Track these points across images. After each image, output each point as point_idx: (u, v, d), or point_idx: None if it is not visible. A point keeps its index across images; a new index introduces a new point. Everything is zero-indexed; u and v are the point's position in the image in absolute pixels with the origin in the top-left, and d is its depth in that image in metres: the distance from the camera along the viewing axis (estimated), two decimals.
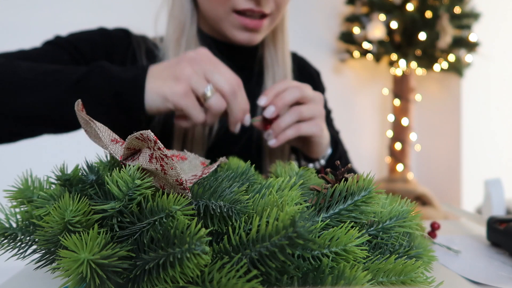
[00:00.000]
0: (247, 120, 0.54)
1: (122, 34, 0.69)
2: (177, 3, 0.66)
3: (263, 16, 0.61)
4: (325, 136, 0.59)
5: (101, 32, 0.68)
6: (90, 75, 0.49)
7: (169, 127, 0.65)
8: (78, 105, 0.33)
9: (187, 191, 0.29)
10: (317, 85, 0.84)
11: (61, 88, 0.49)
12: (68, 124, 0.52)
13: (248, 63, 0.72)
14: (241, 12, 0.60)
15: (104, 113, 0.49)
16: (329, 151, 0.64)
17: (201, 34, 0.68)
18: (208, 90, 0.48)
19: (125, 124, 0.53)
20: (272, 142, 0.53)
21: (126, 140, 0.30)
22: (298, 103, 0.54)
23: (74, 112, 0.40)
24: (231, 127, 0.53)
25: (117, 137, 0.33)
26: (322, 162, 0.62)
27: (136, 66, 0.51)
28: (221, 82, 0.49)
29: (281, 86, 0.54)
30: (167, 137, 0.65)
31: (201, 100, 0.49)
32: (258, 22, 0.61)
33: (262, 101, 0.53)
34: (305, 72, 0.81)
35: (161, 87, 0.48)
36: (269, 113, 0.52)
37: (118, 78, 0.49)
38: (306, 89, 0.54)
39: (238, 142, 0.70)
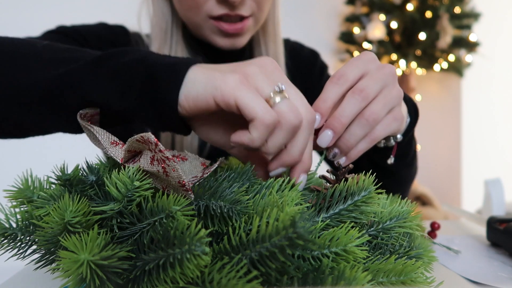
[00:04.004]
0: (303, 180, 0.37)
1: (122, 31, 0.69)
2: (157, 11, 0.64)
3: (242, 18, 0.58)
4: (405, 110, 0.45)
5: (104, 26, 0.67)
6: (117, 53, 0.36)
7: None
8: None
9: (189, 192, 0.29)
10: (314, 68, 0.78)
11: (77, 64, 0.37)
12: (75, 113, 0.37)
13: None
14: (218, 17, 0.57)
15: (128, 105, 0.35)
16: (407, 121, 0.48)
17: (187, 39, 0.67)
18: (280, 85, 0.33)
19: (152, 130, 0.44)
20: (342, 161, 0.40)
21: (127, 142, 0.30)
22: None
23: (86, 97, 0.35)
24: (293, 174, 0.37)
25: (116, 139, 0.33)
26: (399, 137, 0.46)
27: (180, 56, 0.38)
28: (299, 100, 0.35)
29: (335, 91, 0.38)
30: None
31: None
32: (238, 26, 0.57)
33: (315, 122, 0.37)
34: (298, 58, 0.77)
35: (210, 73, 0.33)
36: (325, 141, 0.38)
37: (154, 60, 0.35)
38: (370, 83, 0.38)
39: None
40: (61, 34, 0.61)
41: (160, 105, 0.34)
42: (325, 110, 0.38)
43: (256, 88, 0.33)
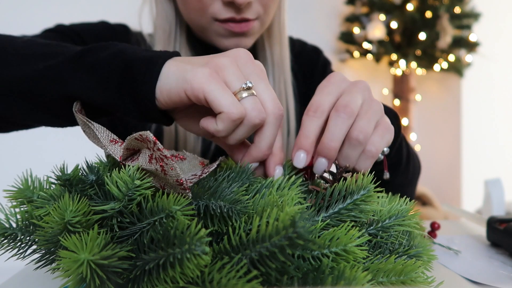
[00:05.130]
0: (279, 173, 0.38)
1: (123, 30, 0.68)
2: (160, 12, 0.63)
3: (248, 21, 0.57)
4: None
5: (104, 25, 0.67)
6: (96, 48, 0.37)
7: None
8: (76, 106, 0.33)
9: (187, 191, 0.29)
10: (316, 65, 0.78)
11: (57, 60, 0.37)
12: (55, 107, 0.39)
13: None
14: (224, 21, 0.57)
15: (108, 98, 0.36)
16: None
17: (191, 42, 0.66)
18: (247, 83, 0.33)
19: (131, 123, 0.45)
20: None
21: (125, 140, 0.30)
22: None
23: (66, 91, 0.36)
24: (268, 168, 0.38)
25: (116, 137, 0.33)
26: (386, 150, 0.45)
27: (157, 50, 0.38)
28: (267, 95, 0.35)
29: (314, 124, 0.38)
30: None
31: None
32: (244, 25, 0.57)
33: (300, 160, 0.37)
34: (302, 56, 0.77)
35: (182, 66, 0.34)
36: (321, 170, 0.38)
37: (132, 54, 0.35)
38: (351, 98, 0.37)
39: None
40: (59, 32, 0.61)
41: (139, 98, 0.34)
42: (309, 146, 0.38)
43: (225, 82, 0.33)
